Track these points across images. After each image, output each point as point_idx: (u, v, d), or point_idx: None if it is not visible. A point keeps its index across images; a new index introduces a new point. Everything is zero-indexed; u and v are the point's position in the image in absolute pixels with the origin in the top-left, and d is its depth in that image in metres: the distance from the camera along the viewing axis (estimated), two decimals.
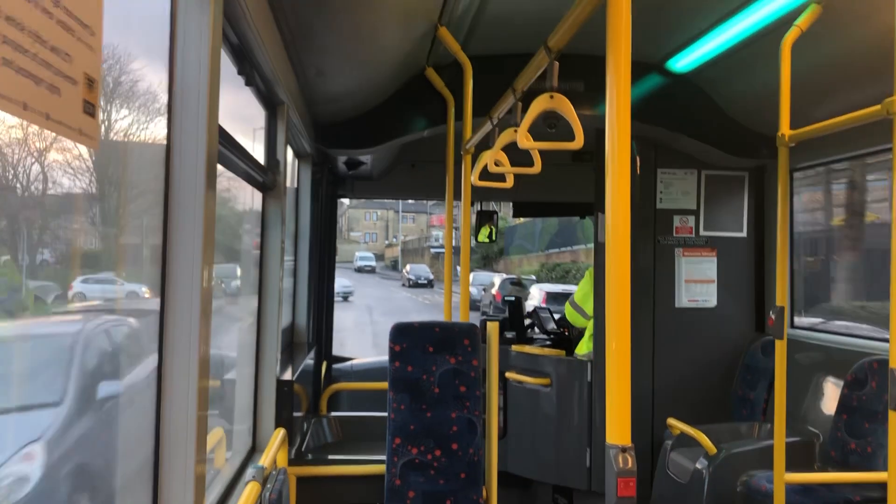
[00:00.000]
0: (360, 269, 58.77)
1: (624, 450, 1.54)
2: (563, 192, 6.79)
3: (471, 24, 4.11)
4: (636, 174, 5.22)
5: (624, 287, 1.67)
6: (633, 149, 5.30)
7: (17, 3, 0.96)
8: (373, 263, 61.92)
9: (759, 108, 4.71)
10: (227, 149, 2.28)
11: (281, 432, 3.11)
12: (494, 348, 3.75)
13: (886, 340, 3.02)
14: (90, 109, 1.19)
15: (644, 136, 5.21)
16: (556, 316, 6.74)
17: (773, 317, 3.59)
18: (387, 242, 77.43)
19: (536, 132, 2.57)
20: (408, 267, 48.18)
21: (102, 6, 1.24)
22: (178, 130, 1.81)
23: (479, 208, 7.32)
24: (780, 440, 3.55)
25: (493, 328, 3.79)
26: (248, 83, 2.72)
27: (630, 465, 1.53)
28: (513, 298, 6.76)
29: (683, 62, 4.71)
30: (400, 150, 5.83)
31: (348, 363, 6.46)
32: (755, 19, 3.83)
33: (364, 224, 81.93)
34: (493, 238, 7.33)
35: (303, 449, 4.16)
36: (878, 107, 2.90)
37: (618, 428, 1.57)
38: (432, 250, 54.25)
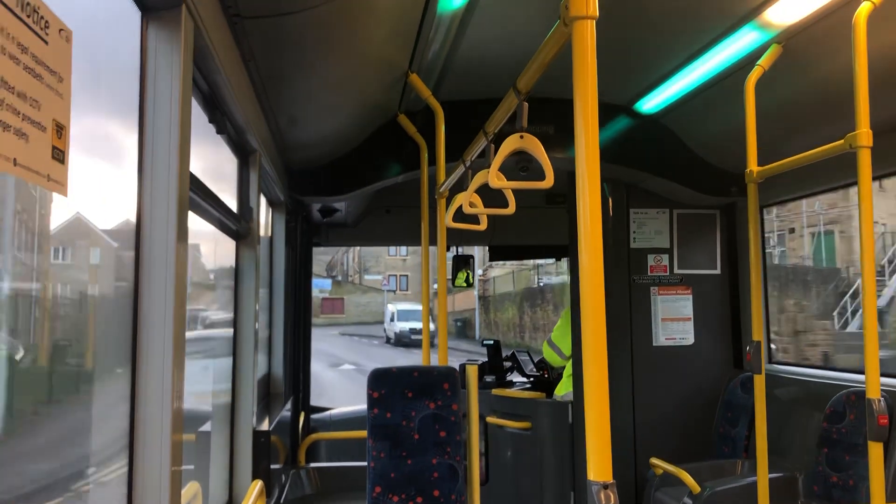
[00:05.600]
0: (401, 340, 32.17)
1: (606, 486, 1.52)
2: (538, 234, 6.84)
3: (441, 70, 4.16)
4: (608, 215, 5.27)
5: (599, 322, 1.67)
6: (605, 190, 5.36)
7: None
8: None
9: (727, 147, 4.80)
10: (199, 196, 2.26)
11: (258, 484, 3.04)
12: (474, 391, 3.72)
13: (863, 372, 3.04)
14: (59, 156, 1.18)
15: (615, 178, 5.27)
16: (536, 359, 6.72)
17: (750, 352, 3.61)
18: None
19: (508, 174, 2.58)
20: None
21: (71, 53, 1.23)
22: (149, 177, 1.79)
23: (455, 253, 7.34)
24: (763, 477, 3.53)
25: (472, 371, 3.76)
26: (219, 131, 2.72)
27: (612, 501, 1.51)
28: (491, 341, 6.74)
29: (651, 104, 4.80)
30: (374, 196, 5.85)
31: (327, 413, 6.38)
32: (718, 61, 3.92)
33: (389, 261, 51.41)
34: (470, 282, 7.34)
35: (281, 501, 4.07)
36: (841, 141, 2.97)
37: (599, 463, 1.55)
38: None
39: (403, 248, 49.51)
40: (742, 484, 4.25)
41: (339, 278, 53.48)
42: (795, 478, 4.35)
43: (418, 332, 30.78)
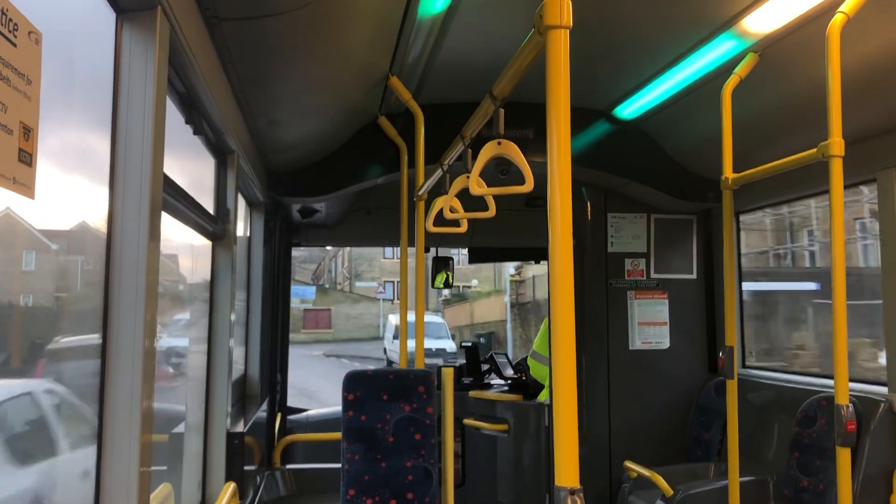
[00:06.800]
0: None
1: (573, 492, 1.53)
2: (518, 237, 6.85)
3: (421, 73, 4.17)
4: (586, 219, 5.30)
5: (569, 325, 1.68)
6: (584, 194, 5.40)
7: None
8: (446, 345, 27.69)
9: (704, 153, 4.84)
10: (173, 198, 2.26)
11: (231, 486, 3.03)
12: (449, 395, 3.73)
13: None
14: (26, 158, 1.17)
15: (594, 182, 5.31)
16: (514, 361, 6.74)
17: (722, 357, 3.65)
18: (443, 296, 36.82)
19: (488, 177, 2.60)
20: None
21: (41, 56, 1.23)
22: (121, 179, 1.79)
23: (434, 254, 7.35)
24: (734, 480, 3.57)
25: (447, 374, 3.77)
26: (196, 132, 2.71)
27: None
28: (470, 344, 6.75)
29: (629, 109, 4.83)
30: (355, 197, 5.85)
31: (304, 414, 6.36)
32: (696, 68, 3.96)
33: (384, 264, 43.01)
34: (450, 283, 7.36)
35: (255, 503, 4.05)
36: (814, 150, 3.01)
37: (566, 469, 1.57)
38: None
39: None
40: (714, 487, 4.29)
41: (326, 286, 45.96)
42: (767, 481, 4.39)
43: (435, 353, 25.01)
